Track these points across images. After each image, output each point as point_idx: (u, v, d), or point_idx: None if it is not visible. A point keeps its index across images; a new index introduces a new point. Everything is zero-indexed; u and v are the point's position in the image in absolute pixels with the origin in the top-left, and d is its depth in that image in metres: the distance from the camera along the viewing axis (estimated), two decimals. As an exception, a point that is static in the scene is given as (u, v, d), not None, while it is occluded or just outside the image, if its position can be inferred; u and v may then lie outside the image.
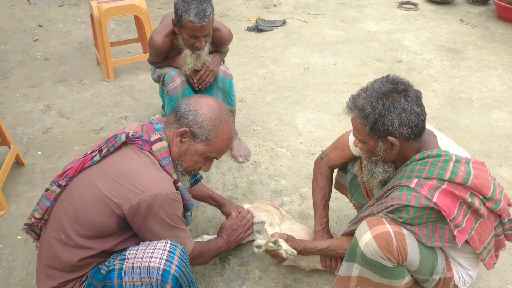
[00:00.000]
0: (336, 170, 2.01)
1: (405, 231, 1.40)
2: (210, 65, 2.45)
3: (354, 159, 1.82)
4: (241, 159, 2.65)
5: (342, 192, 2.05)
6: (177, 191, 1.36)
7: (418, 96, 1.40)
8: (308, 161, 2.70)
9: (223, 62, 2.64)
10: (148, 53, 2.53)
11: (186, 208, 1.49)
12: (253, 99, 3.33)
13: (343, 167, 1.92)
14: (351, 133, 1.76)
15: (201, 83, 2.48)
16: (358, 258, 1.44)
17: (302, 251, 1.70)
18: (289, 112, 3.19)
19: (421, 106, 1.40)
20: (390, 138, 1.39)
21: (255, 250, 1.66)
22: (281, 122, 3.08)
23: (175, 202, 1.33)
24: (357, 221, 1.60)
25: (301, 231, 1.90)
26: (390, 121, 1.37)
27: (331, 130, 3.00)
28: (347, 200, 2.40)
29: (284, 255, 1.65)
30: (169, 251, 1.29)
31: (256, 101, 3.31)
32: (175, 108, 1.42)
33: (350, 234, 1.68)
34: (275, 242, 1.65)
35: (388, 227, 1.39)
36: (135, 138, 1.39)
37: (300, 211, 2.32)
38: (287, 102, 3.30)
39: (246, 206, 2.06)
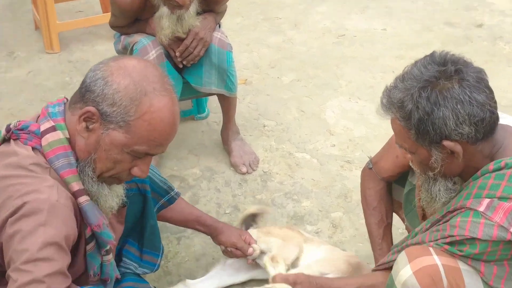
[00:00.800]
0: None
1: (462, 266, 1.41)
2: (200, 31, 2.41)
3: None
4: (244, 169, 2.66)
5: (395, 211, 2.05)
6: (64, 204, 1.25)
7: (479, 78, 1.39)
8: (343, 172, 2.70)
9: (219, 26, 2.63)
10: (110, 13, 2.49)
11: (98, 242, 1.40)
12: (262, 80, 3.34)
13: (400, 177, 1.92)
14: None
15: (187, 58, 2.47)
16: None
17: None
18: (315, 99, 3.18)
19: (486, 91, 1.38)
20: (446, 142, 1.39)
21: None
22: (303, 115, 3.07)
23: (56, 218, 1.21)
24: (400, 249, 1.59)
25: (339, 261, 1.92)
26: (441, 119, 1.36)
27: (377, 126, 2.97)
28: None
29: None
30: None
31: (266, 83, 3.31)
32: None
33: (389, 268, 1.66)
34: None
35: (436, 259, 1.41)
36: (19, 130, 1.33)
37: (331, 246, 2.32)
38: (312, 86, 3.30)
39: (251, 233, 2.07)
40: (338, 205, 2.53)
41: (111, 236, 1.44)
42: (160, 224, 2.29)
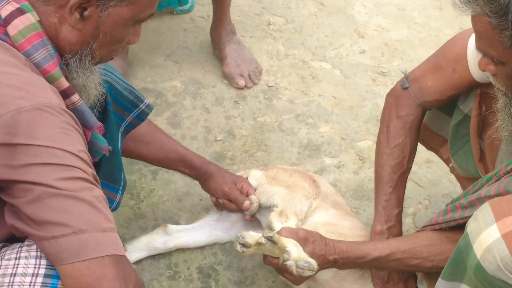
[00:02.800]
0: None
1: None
2: None
3: (471, 89, 1.79)
4: (241, 82, 2.66)
5: (432, 148, 2.05)
6: (66, 109, 1.32)
7: None
8: (375, 87, 2.70)
9: None
10: None
11: (91, 152, 1.46)
12: (267, -39, 3.27)
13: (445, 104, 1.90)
14: (471, 37, 1.71)
15: None
16: (470, 274, 1.47)
17: (339, 262, 1.76)
18: None
19: None
20: None
21: (239, 248, 1.73)
22: (322, 10, 3.06)
23: (66, 124, 1.29)
24: (461, 206, 1.60)
25: (353, 232, 1.94)
26: None
27: (424, 27, 2.98)
28: (440, 166, 2.40)
29: (294, 269, 1.69)
30: (43, 285, 1.28)
31: (273, -35, 3.25)
32: None
33: (439, 229, 1.69)
34: (273, 241, 1.71)
35: None
36: None
37: (356, 187, 2.36)
38: (336, -31, 3.24)
39: (253, 174, 2.07)
40: (368, 131, 2.53)
41: (105, 142, 1.52)
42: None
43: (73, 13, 1.37)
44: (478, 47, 1.50)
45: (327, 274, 1.86)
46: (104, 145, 1.51)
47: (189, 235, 2.08)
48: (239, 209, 2.01)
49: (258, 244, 1.71)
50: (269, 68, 2.75)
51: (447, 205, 1.69)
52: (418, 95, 1.87)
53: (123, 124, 1.84)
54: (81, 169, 1.27)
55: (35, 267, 1.27)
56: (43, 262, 1.27)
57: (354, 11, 3.04)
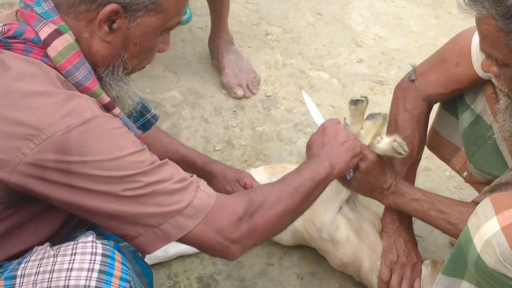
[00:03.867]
0: (438, 108, 2.00)
1: None
2: None
3: (477, 85, 1.79)
4: (240, 92, 2.67)
5: (444, 158, 2.05)
6: (110, 114, 1.39)
7: None
8: (373, 96, 2.71)
9: None
10: None
11: None
12: (264, -29, 3.29)
13: (452, 103, 1.91)
14: (475, 35, 1.72)
15: None
16: (471, 269, 1.48)
17: (392, 188, 1.83)
18: None
19: None
20: None
21: (355, 97, 1.82)
22: (320, 19, 3.08)
23: (114, 130, 1.35)
24: (490, 189, 1.61)
25: (367, 225, 1.96)
26: None
27: (421, 36, 3.00)
28: (450, 175, 2.39)
29: (390, 145, 1.72)
30: (102, 255, 1.32)
31: (270, -25, 3.26)
32: None
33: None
34: (383, 116, 1.80)
35: None
36: (9, 38, 1.38)
37: (356, 194, 2.37)
38: (333, -21, 3.26)
39: (255, 170, 2.10)
40: (366, 140, 2.54)
41: (146, 147, 1.57)
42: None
43: (102, 26, 1.39)
44: (483, 49, 1.50)
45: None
46: None
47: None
48: None
49: (367, 117, 1.80)
50: (267, 78, 2.77)
51: (484, 190, 1.71)
52: (423, 88, 1.89)
53: None
54: (136, 167, 1.33)
55: (90, 263, 1.30)
56: (98, 258, 1.30)
57: (351, 20, 3.06)
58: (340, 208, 1.94)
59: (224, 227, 1.39)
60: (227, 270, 2.07)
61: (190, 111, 2.61)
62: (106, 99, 1.42)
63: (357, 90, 2.72)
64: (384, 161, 1.81)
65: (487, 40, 1.46)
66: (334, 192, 1.90)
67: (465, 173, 1.98)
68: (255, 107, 2.65)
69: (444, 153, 2.04)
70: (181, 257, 2.09)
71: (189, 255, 2.09)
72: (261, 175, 2.06)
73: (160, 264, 2.06)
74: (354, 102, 1.78)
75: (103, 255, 1.31)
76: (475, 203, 1.72)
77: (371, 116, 1.76)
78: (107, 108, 1.42)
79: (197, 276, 2.05)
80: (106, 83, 1.46)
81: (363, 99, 1.78)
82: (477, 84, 1.78)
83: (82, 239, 1.33)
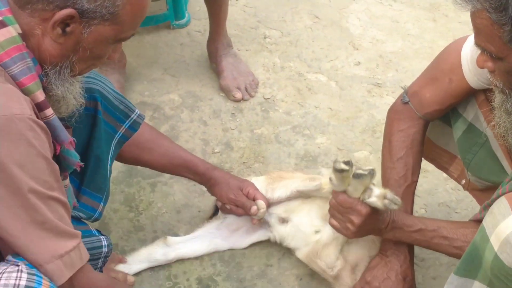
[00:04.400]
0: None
1: None
2: None
3: (469, 97, 1.79)
4: (238, 95, 2.68)
5: (442, 167, 2.05)
6: (38, 121, 1.35)
7: None
8: (370, 99, 2.71)
9: None
10: None
11: (62, 165, 1.50)
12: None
13: (445, 115, 1.90)
14: (465, 45, 1.73)
15: None
16: (486, 269, 1.48)
17: (389, 226, 1.77)
18: (334, 1, 3.17)
19: None
20: None
21: (342, 166, 1.67)
22: (317, 23, 3.08)
23: (38, 138, 1.33)
24: (488, 205, 1.57)
25: (361, 252, 1.96)
26: None
27: (418, 39, 2.99)
28: (447, 177, 2.41)
29: (380, 203, 1.67)
30: (26, 287, 1.30)
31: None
32: None
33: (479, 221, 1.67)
34: (371, 175, 1.68)
35: None
36: None
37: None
38: (331, -17, 3.27)
39: (256, 179, 2.09)
40: (364, 142, 2.54)
41: (77, 157, 1.53)
42: (128, 166, 2.31)
43: (56, 28, 1.38)
44: (477, 43, 1.50)
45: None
46: (75, 160, 1.52)
47: (189, 245, 2.09)
48: (247, 214, 2.01)
49: (353, 174, 1.68)
50: (265, 81, 2.77)
51: (483, 205, 1.67)
52: (418, 108, 1.88)
53: (116, 136, 1.85)
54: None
55: (16, 279, 1.29)
56: (24, 275, 1.29)
57: (349, 23, 3.06)
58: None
59: None
60: (226, 271, 2.08)
61: (189, 114, 2.62)
62: (40, 97, 1.40)
63: (355, 93, 2.72)
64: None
65: (482, 33, 1.47)
66: (333, 239, 1.91)
67: (463, 181, 1.97)
68: (253, 109, 2.66)
69: (441, 162, 2.03)
70: (180, 259, 2.09)
71: (188, 258, 2.11)
72: (260, 184, 2.06)
73: (159, 266, 2.07)
74: (340, 171, 1.68)
75: (26, 287, 1.28)
76: (475, 221, 1.72)
77: (358, 176, 1.67)
78: (40, 107, 1.40)
79: (196, 278, 2.06)
80: (52, 82, 1.45)
81: (347, 168, 1.67)
82: (472, 94, 1.78)
83: (8, 269, 1.31)
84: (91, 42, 1.43)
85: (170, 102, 2.66)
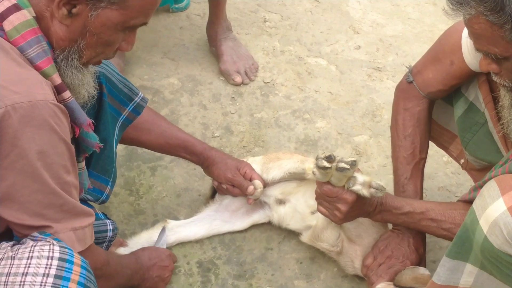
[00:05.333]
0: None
1: None
2: None
3: (472, 77, 1.80)
4: (238, 79, 2.67)
5: (442, 145, 2.07)
6: (60, 105, 1.37)
7: None
8: (370, 83, 2.72)
9: None
10: None
11: (81, 147, 1.52)
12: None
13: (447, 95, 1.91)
14: (464, 31, 1.72)
15: None
16: (477, 251, 1.49)
17: (377, 209, 1.79)
18: None
19: None
20: None
21: (324, 163, 1.66)
22: (317, 6, 3.07)
23: (59, 123, 1.35)
24: (479, 186, 1.60)
25: (362, 227, 1.96)
26: None
27: (418, 22, 2.99)
28: (447, 160, 2.41)
29: (365, 191, 1.68)
30: (59, 259, 1.33)
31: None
32: None
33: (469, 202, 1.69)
34: (353, 166, 1.67)
35: None
36: None
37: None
38: (331, -34, 3.25)
39: (253, 160, 2.10)
40: (364, 126, 2.54)
41: (96, 138, 1.54)
42: (128, 149, 2.31)
43: (61, 8, 1.38)
44: (478, 48, 1.50)
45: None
46: (94, 141, 1.53)
47: (189, 228, 2.10)
48: (243, 194, 2.02)
49: (336, 168, 1.68)
50: (265, 65, 2.76)
51: (472, 187, 1.70)
52: (422, 87, 1.89)
53: (120, 119, 1.85)
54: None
55: (46, 267, 1.30)
56: (54, 262, 1.30)
57: (349, 7, 3.05)
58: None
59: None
60: (226, 255, 2.09)
61: (189, 98, 2.61)
62: (57, 81, 1.41)
63: (355, 77, 2.72)
64: None
65: (482, 38, 1.46)
66: (328, 222, 1.92)
67: (462, 160, 1.99)
68: (253, 93, 2.65)
69: (441, 140, 2.04)
70: (181, 243, 2.10)
71: (189, 241, 2.11)
72: (257, 165, 2.07)
73: (160, 249, 2.08)
74: (323, 168, 1.67)
75: (60, 259, 1.31)
76: (463, 202, 1.74)
77: (341, 169, 1.66)
78: (58, 90, 1.41)
79: (197, 261, 2.07)
80: (61, 68, 1.44)
81: (329, 166, 1.66)
82: (475, 76, 1.79)
83: (39, 242, 1.33)
84: (99, 27, 1.41)
85: (169, 86, 2.66)
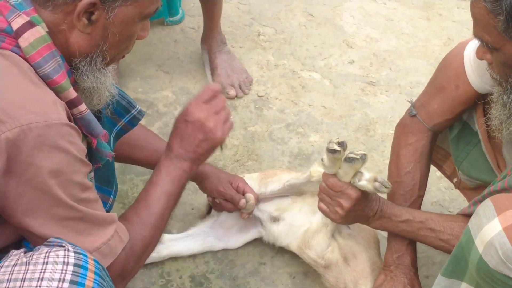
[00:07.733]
0: None
1: None
2: None
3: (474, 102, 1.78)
4: (232, 92, 2.68)
5: (436, 163, 2.06)
6: (73, 124, 1.37)
7: None
8: (364, 97, 2.73)
9: None
10: None
11: (95, 157, 1.55)
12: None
13: None
14: (467, 47, 1.73)
15: None
16: (472, 271, 1.48)
17: (376, 215, 1.77)
18: None
19: None
20: None
21: (336, 146, 1.66)
22: (312, 20, 3.10)
23: (74, 142, 1.36)
24: (478, 201, 1.60)
25: (358, 248, 1.96)
26: None
27: (412, 37, 3.02)
28: (440, 175, 2.41)
29: (371, 186, 1.66)
30: (74, 265, 1.33)
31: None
32: None
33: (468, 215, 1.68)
34: (363, 160, 1.66)
35: None
36: None
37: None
38: (325, -19, 3.28)
39: (249, 176, 2.10)
40: (357, 140, 2.55)
41: (108, 147, 1.57)
42: (120, 163, 2.30)
43: (81, 19, 1.40)
44: (475, 33, 1.51)
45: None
46: (108, 151, 1.56)
47: (182, 243, 2.09)
48: (237, 209, 2.02)
49: (345, 157, 1.67)
50: (259, 78, 2.77)
51: (472, 201, 1.69)
52: (427, 120, 1.87)
53: (114, 129, 1.85)
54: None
55: (61, 273, 1.31)
56: (70, 268, 1.31)
57: (343, 21, 3.07)
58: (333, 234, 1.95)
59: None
60: (219, 269, 2.08)
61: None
62: (73, 94, 1.42)
63: (348, 91, 2.73)
64: (367, 192, 1.74)
65: (479, 23, 1.48)
66: (323, 225, 1.91)
67: (455, 179, 1.98)
68: (247, 107, 2.65)
69: (435, 159, 2.03)
70: (173, 257, 2.09)
71: (181, 256, 2.10)
72: (254, 181, 2.06)
73: (152, 263, 2.06)
74: (332, 151, 1.67)
75: (75, 265, 1.32)
76: (463, 215, 1.73)
77: (350, 160, 1.65)
78: (73, 103, 1.42)
79: (189, 275, 2.06)
80: (83, 73, 1.46)
81: (339, 149, 1.66)
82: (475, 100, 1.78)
83: (54, 248, 1.34)
84: (118, 25, 1.45)
85: (163, 99, 2.66)
